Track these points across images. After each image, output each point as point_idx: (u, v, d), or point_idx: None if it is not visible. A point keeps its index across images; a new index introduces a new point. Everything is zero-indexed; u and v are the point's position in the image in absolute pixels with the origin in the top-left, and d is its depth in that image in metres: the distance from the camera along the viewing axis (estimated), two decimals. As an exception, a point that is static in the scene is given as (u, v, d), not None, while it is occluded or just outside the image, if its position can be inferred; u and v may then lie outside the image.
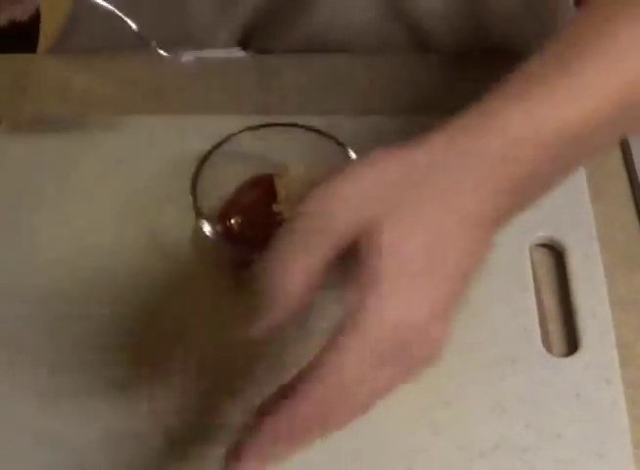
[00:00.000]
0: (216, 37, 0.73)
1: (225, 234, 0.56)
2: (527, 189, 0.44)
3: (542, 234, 0.61)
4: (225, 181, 0.58)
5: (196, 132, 0.59)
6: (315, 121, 0.60)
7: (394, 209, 0.41)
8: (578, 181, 0.64)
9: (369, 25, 0.72)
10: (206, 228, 0.55)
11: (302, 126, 0.58)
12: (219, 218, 0.57)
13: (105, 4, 0.56)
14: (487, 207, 0.43)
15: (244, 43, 0.75)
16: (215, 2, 0.71)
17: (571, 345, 0.57)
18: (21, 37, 0.72)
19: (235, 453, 0.42)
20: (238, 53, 0.73)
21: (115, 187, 0.63)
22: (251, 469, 0.42)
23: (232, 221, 0.57)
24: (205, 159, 0.57)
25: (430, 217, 0.42)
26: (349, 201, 0.42)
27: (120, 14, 0.58)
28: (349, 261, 0.41)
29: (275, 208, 0.57)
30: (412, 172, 0.42)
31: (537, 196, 0.46)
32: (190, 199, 0.56)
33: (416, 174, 0.42)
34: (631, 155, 0.66)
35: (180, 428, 0.53)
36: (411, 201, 0.42)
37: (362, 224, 0.41)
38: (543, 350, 0.56)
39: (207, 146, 0.58)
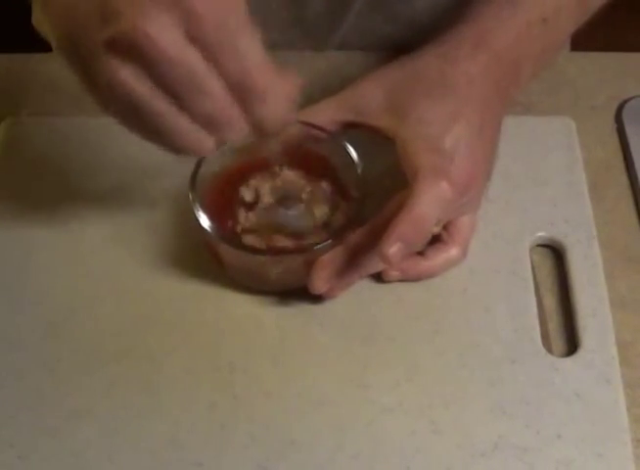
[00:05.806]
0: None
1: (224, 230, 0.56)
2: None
3: (542, 234, 0.61)
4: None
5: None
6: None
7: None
8: (578, 181, 0.64)
9: None
10: (205, 223, 0.55)
11: (304, 123, 0.58)
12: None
13: None
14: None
15: None
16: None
17: (571, 345, 0.57)
18: (21, 37, 0.72)
19: (317, 265, 0.53)
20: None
21: (115, 185, 0.63)
22: (325, 278, 0.54)
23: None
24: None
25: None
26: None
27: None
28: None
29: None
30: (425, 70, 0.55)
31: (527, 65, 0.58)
32: (189, 195, 0.56)
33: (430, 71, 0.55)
34: (631, 155, 0.66)
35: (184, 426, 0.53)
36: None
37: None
38: (543, 350, 0.56)
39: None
